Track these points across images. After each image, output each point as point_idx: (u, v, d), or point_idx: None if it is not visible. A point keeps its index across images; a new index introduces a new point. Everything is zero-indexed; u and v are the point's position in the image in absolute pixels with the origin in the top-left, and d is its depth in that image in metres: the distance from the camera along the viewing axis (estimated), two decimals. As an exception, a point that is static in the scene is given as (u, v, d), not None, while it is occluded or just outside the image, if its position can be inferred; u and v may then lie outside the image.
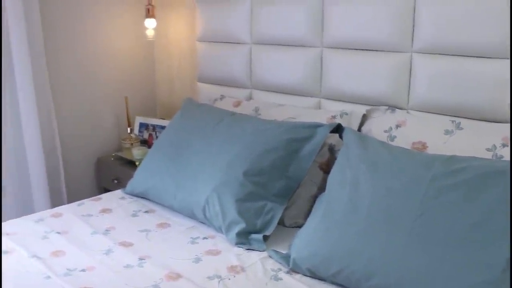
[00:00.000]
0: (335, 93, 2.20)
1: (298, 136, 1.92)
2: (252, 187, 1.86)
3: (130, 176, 2.64)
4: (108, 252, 1.77)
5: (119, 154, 2.87)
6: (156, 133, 2.89)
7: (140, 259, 1.71)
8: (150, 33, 2.77)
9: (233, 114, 2.19)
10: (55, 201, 2.67)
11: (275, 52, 2.37)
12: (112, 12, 2.88)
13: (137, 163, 2.71)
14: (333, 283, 1.55)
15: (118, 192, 2.34)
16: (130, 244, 1.83)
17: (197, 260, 1.71)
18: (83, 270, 1.64)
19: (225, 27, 2.55)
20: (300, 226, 1.89)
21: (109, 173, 2.85)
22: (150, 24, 2.76)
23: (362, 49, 2.08)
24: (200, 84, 2.75)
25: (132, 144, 2.81)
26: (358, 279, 1.48)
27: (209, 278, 1.58)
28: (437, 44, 1.87)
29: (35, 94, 2.50)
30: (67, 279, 1.58)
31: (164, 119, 2.94)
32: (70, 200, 2.67)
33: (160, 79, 3.11)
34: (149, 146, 2.83)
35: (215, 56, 2.63)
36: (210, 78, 2.68)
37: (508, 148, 1.65)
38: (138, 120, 2.94)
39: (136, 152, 2.72)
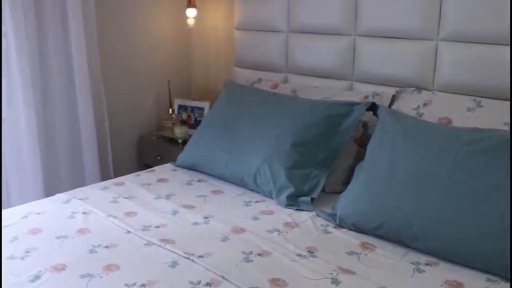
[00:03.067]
0: (366, 76, 2.46)
1: (338, 112, 2.18)
2: (299, 156, 2.13)
3: (173, 152, 2.91)
4: (174, 212, 2.03)
5: (161, 133, 3.13)
6: (194, 114, 3.15)
7: (205, 217, 1.97)
8: (191, 21, 3.02)
9: (275, 94, 2.45)
10: (104, 175, 2.93)
11: (311, 40, 2.63)
12: (156, 1, 3.12)
13: (179, 141, 2.97)
14: (374, 235, 1.82)
15: (168, 165, 2.60)
16: (192, 207, 2.09)
17: (255, 218, 1.98)
18: (157, 227, 1.90)
19: (262, 16, 2.80)
20: (338, 192, 2.16)
21: (151, 150, 3.11)
22: (191, 13, 3.01)
23: (392, 37, 2.34)
24: (237, 69, 3.00)
25: (173, 124, 3.06)
26: (397, 230, 1.75)
27: (269, 231, 1.85)
28: (460, 33, 2.13)
29: (89, 74, 2.74)
30: (145, 234, 1.84)
31: (199, 101, 3.20)
32: (116, 174, 2.92)
33: (196, 65, 3.36)
34: (189, 126, 3.09)
35: (252, 43, 2.88)
36: (247, 63, 2.93)
37: (524, 123, 1.93)
38: (177, 102, 3.19)
39: (179, 131, 2.98)
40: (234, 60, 3.03)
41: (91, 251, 1.71)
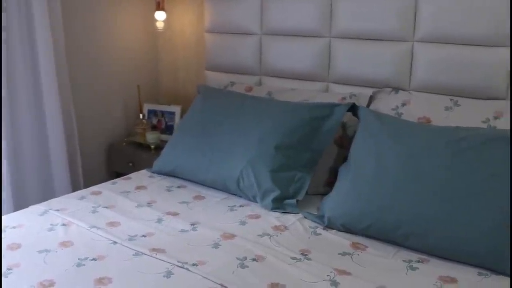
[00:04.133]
0: (342, 77, 2.48)
1: (319, 114, 2.19)
2: (283, 159, 2.12)
3: (145, 159, 2.86)
4: (159, 220, 1.98)
5: (131, 139, 3.06)
6: (165, 119, 3.09)
7: (192, 224, 1.94)
8: (160, 25, 2.97)
9: (253, 97, 2.44)
10: (74, 185, 2.83)
11: (285, 42, 2.63)
12: (123, 6, 3.05)
13: (152, 147, 2.91)
14: (364, 235, 1.83)
15: (144, 172, 2.54)
16: (176, 214, 2.05)
17: (243, 223, 1.95)
18: (144, 236, 1.85)
19: (234, 19, 2.78)
20: (321, 194, 2.18)
21: (122, 157, 3.03)
22: (160, 16, 2.95)
23: (368, 39, 2.37)
24: (208, 72, 2.97)
25: (144, 129, 3.00)
26: (387, 230, 1.77)
27: (260, 236, 1.84)
28: (436, 34, 2.18)
29: (57, 81, 2.64)
30: (133, 244, 1.78)
31: (169, 105, 3.14)
32: (86, 184, 2.83)
33: (165, 69, 3.30)
34: (161, 131, 3.03)
35: (224, 46, 2.85)
36: (219, 66, 2.90)
37: (500, 120, 1.99)
38: (147, 107, 3.12)
39: (151, 136, 2.91)
40: (204, 63, 2.99)
41: (78, 265, 1.64)
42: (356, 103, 2.28)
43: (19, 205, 2.50)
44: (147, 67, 3.26)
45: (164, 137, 3.01)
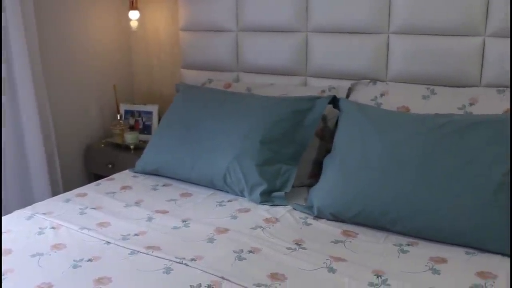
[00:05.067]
0: (319, 71, 2.53)
1: (301, 107, 2.23)
2: (269, 153, 2.16)
3: (125, 159, 2.84)
4: (149, 219, 1.98)
5: (109, 140, 3.03)
6: (142, 118, 3.08)
7: (183, 221, 1.95)
8: (134, 24, 2.95)
9: (234, 93, 2.46)
10: (53, 188, 2.79)
11: (262, 38, 2.66)
12: (96, 5, 3.02)
13: (131, 147, 2.90)
14: (354, 223, 1.89)
15: (127, 172, 2.53)
16: (165, 211, 2.05)
17: (234, 217, 1.98)
18: (137, 235, 1.85)
19: (209, 16, 2.79)
20: (305, 185, 2.23)
21: (101, 159, 3.00)
22: (134, 15, 2.94)
23: (344, 32, 2.43)
24: (184, 71, 2.97)
25: (122, 130, 2.98)
26: (376, 216, 1.83)
27: (253, 228, 1.87)
28: (410, 25, 2.26)
29: (33, 83, 2.60)
30: (127, 243, 1.78)
31: (146, 105, 3.13)
32: (65, 187, 2.80)
33: (139, 68, 3.28)
34: (140, 132, 3.02)
35: (200, 44, 2.86)
36: (195, 64, 2.91)
37: (475, 106, 2.08)
38: (123, 107, 3.10)
39: (130, 136, 2.90)
40: (180, 62, 3.00)
41: (74, 266, 1.63)
42: (336, 96, 2.34)
43: (-1, 211, 2.46)
44: (121, 67, 3.24)
45: (142, 137, 3.00)
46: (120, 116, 3.03)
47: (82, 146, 3.08)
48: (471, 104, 2.09)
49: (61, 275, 1.59)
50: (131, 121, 3.10)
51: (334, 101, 2.26)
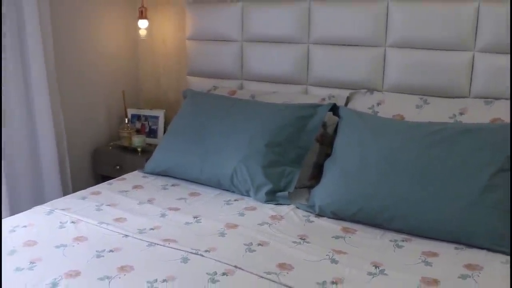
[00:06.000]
0: (320, 80, 2.70)
1: (304, 114, 2.39)
2: (273, 156, 2.31)
3: (133, 161, 2.99)
4: (162, 215, 2.13)
5: (117, 143, 3.17)
6: (148, 123, 3.23)
7: (195, 217, 2.10)
8: (143, 33, 3.10)
9: (241, 100, 2.62)
10: (64, 189, 2.91)
11: (266, 48, 2.83)
12: (107, 15, 3.17)
13: (139, 149, 3.04)
14: (353, 221, 2.05)
15: (136, 173, 2.67)
16: (177, 209, 2.20)
17: (241, 214, 2.13)
18: (152, 229, 1.99)
19: (215, 27, 2.95)
20: (306, 187, 2.39)
21: (109, 161, 3.14)
22: (143, 24, 3.09)
23: (344, 45, 2.60)
24: (190, 78, 3.12)
25: (130, 133, 3.12)
26: (373, 215, 1.99)
27: (260, 224, 2.02)
28: (405, 40, 2.44)
29: (48, 88, 2.73)
30: (144, 236, 1.92)
31: (151, 110, 3.28)
32: (74, 188, 2.92)
33: (146, 75, 3.43)
34: (147, 135, 3.17)
35: (205, 53, 3.02)
36: (201, 72, 3.06)
37: (464, 116, 2.25)
38: (130, 112, 3.25)
39: (137, 139, 3.04)
40: (185, 69, 3.15)
41: (98, 256, 1.77)
42: (336, 104, 2.50)
43: (13, 211, 2.58)
44: (128, 74, 3.39)
45: (149, 140, 3.15)
46: (128, 120, 3.17)
47: (90, 149, 3.21)
48: (461, 114, 2.26)
49: (86, 263, 1.72)
50: (138, 125, 3.25)
51: (334, 109, 2.42)
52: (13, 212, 2.53)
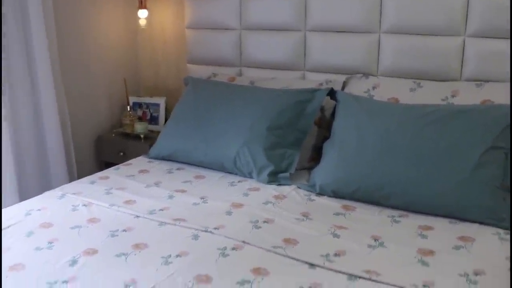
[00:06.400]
0: (317, 66, 2.80)
1: (303, 98, 2.49)
2: (274, 139, 2.42)
3: (136, 147, 3.07)
4: (170, 197, 2.23)
5: (120, 130, 3.26)
6: (150, 110, 3.31)
7: (201, 198, 2.20)
8: (142, 22, 3.18)
9: (241, 86, 2.71)
10: (70, 176, 3.00)
11: (264, 36, 2.92)
12: (107, 5, 3.25)
13: (142, 136, 3.13)
14: (352, 199, 2.16)
15: (141, 158, 2.76)
16: (184, 191, 2.30)
17: (246, 194, 2.24)
18: (162, 210, 2.09)
19: (214, 15, 3.03)
20: (305, 168, 2.50)
21: (112, 147, 3.22)
22: (143, 14, 3.16)
23: (340, 31, 2.70)
24: (189, 65, 3.21)
25: (132, 120, 3.20)
26: (371, 193, 2.10)
27: (264, 203, 2.13)
28: (399, 26, 2.54)
29: (52, 76, 2.81)
30: (154, 216, 2.02)
31: (152, 97, 3.37)
32: (79, 174, 3.01)
33: (146, 64, 3.51)
34: (149, 122, 3.26)
35: (204, 41, 3.10)
36: (200, 59, 3.15)
37: (456, 98, 2.36)
38: (131, 99, 3.33)
39: (140, 126, 3.13)
40: (185, 58, 3.23)
41: (112, 235, 1.87)
42: (333, 88, 2.60)
43: (23, 197, 2.67)
44: (128, 62, 3.46)
45: (150, 127, 3.23)
46: (130, 108, 3.25)
47: (93, 137, 3.30)
48: (453, 96, 2.38)
49: (102, 242, 1.82)
50: (139, 113, 3.33)
51: (331, 93, 2.52)
52: (22, 198, 2.62)
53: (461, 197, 1.96)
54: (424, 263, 1.66)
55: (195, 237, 1.84)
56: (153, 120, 3.31)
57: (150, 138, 3.12)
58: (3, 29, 2.60)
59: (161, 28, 3.38)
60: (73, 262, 1.69)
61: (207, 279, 1.57)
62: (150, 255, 1.73)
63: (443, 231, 1.89)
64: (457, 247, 1.76)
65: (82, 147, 3.22)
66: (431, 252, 1.72)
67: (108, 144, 3.26)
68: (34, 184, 2.87)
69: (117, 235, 1.88)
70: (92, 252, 1.75)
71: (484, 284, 1.54)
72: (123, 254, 1.73)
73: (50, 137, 2.88)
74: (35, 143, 2.85)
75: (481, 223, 1.92)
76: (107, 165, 3.15)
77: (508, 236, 1.83)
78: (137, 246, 1.78)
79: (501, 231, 1.87)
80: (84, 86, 3.20)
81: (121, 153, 3.15)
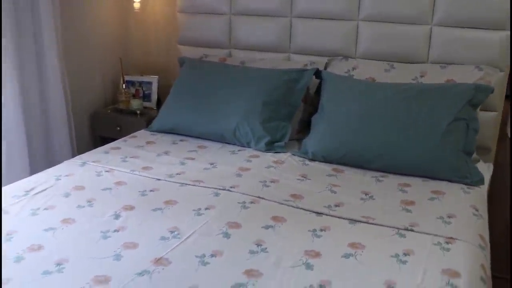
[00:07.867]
0: (301, 49, 3.14)
1: (293, 77, 2.84)
2: (269, 113, 2.75)
3: (132, 122, 3.32)
4: (182, 163, 2.52)
5: (116, 106, 3.49)
6: (142, 88, 3.56)
7: (211, 163, 2.51)
8: (137, 5, 3.41)
9: (235, 66, 3.02)
10: (72, 150, 3.22)
11: (253, 21, 3.22)
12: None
13: (138, 112, 3.38)
14: (340, 163, 2.53)
15: (144, 131, 3.02)
16: (192, 158, 2.60)
17: (248, 160, 2.57)
18: (178, 174, 2.38)
19: (206, 1, 3.30)
20: (294, 139, 2.85)
21: (109, 123, 3.45)
22: (137, -2, 3.40)
23: (322, 18, 3.04)
24: (181, 47, 3.47)
25: (128, 97, 3.45)
26: (356, 157, 2.48)
27: (267, 167, 2.47)
28: (375, 15, 2.91)
29: (57, 56, 3.02)
30: (174, 179, 2.31)
31: (144, 75, 3.63)
32: (79, 150, 3.22)
33: (138, 45, 3.74)
34: (143, 99, 3.51)
35: (196, 24, 3.36)
36: (191, 41, 3.41)
37: (424, 78, 2.77)
38: (125, 78, 3.56)
39: (135, 103, 3.38)
40: (174, 39, 3.49)
41: (142, 195, 2.16)
42: (319, 69, 2.94)
43: (33, 169, 2.88)
44: (121, 43, 3.69)
45: (146, 104, 3.49)
46: (126, 86, 3.49)
47: (88, 113, 3.51)
48: (421, 76, 2.78)
49: (135, 200, 2.11)
50: (132, 90, 3.57)
51: (317, 73, 2.88)
52: (32, 171, 2.83)
53: (432, 159, 2.37)
54: (408, 210, 2.06)
55: (216, 194, 2.16)
56: (146, 97, 3.56)
57: (145, 114, 3.37)
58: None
59: (153, 11, 3.61)
60: (116, 216, 1.97)
61: (236, 225, 1.90)
62: (182, 209, 2.03)
63: (419, 187, 2.30)
64: (432, 199, 2.17)
65: (78, 123, 3.43)
66: (412, 202, 2.13)
67: (105, 119, 3.48)
68: (41, 157, 3.07)
69: (147, 194, 2.16)
70: (130, 208, 2.03)
71: (456, 223, 1.96)
72: (158, 208, 2.03)
73: (54, 112, 3.07)
74: (42, 117, 3.04)
75: (449, 180, 2.34)
76: (103, 139, 3.39)
77: (470, 190, 2.27)
78: (168, 202, 2.08)
79: (464, 186, 2.31)
80: (80, 65, 3.40)
81: (118, 128, 3.39)
